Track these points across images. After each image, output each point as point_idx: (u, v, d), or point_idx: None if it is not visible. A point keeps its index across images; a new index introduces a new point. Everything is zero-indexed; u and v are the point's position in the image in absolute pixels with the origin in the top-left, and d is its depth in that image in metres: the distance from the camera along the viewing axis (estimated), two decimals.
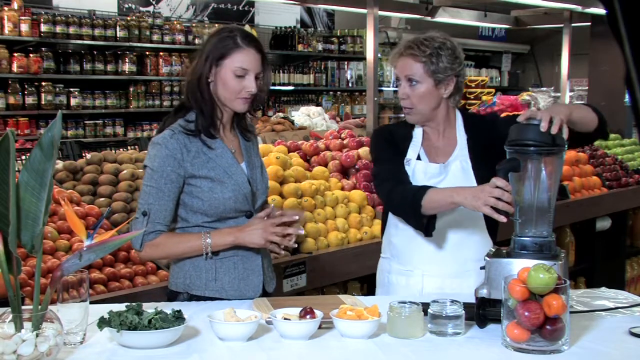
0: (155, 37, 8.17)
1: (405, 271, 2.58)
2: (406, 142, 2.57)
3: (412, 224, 2.47)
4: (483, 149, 2.50)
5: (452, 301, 2.03)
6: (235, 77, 2.37)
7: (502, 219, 2.17)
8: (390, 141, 2.58)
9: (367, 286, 3.84)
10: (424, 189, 2.39)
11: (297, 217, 2.38)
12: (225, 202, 2.37)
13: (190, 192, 2.37)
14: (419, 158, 2.54)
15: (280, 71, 9.56)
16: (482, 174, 2.46)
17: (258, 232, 2.33)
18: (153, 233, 2.33)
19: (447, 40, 2.50)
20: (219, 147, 2.41)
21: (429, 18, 6.64)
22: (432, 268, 2.53)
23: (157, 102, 8.30)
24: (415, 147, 2.55)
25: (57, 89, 7.40)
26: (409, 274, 2.56)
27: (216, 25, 8.91)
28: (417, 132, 2.58)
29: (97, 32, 7.61)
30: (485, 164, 2.44)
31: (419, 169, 2.52)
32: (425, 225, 2.40)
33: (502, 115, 2.87)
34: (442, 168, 2.51)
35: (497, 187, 2.15)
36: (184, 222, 2.41)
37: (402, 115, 2.64)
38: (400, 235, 2.58)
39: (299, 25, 10.24)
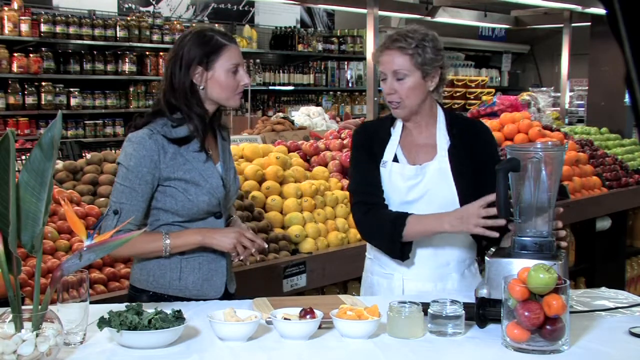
0: (155, 37, 8.17)
1: (385, 274, 2.55)
2: (384, 141, 2.53)
3: (386, 252, 2.49)
4: (465, 152, 2.48)
5: (452, 301, 2.03)
6: (230, 74, 2.37)
7: (494, 234, 2.24)
8: (367, 145, 2.55)
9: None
10: (403, 217, 2.40)
11: (265, 245, 2.42)
12: (199, 204, 2.36)
13: (164, 191, 2.36)
14: (396, 159, 2.51)
15: (280, 71, 9.56)
16: (461, 176, 2.45)
17: (231, 235, 2.35)
18: (122, 232, 2.31)
19: (429, 32, 2.48)
20: (196, 149, 2.39)
21: (429, 18, 6.64)
22: (411, 271, 2.51)
23: None
24: (392, 147, 2.52)
25: (57, 89, 7.40)
26: (389, 277, 2.54)
27: (216, 25, 8.92)
28: (397, 130, 2.54)
29: (97, 32, 7.61)
30: (465, 168, 2.44)
31: (395, 171, 2.49)
32: (400, 251, 2.43)
33: (501, 114, 2.85)
34: (418, 170, 2.47)
35: (482, 206, 2.24)
36: (154, 219, 2.40)
37: None
38: None
39: (299, 25, 10.25)
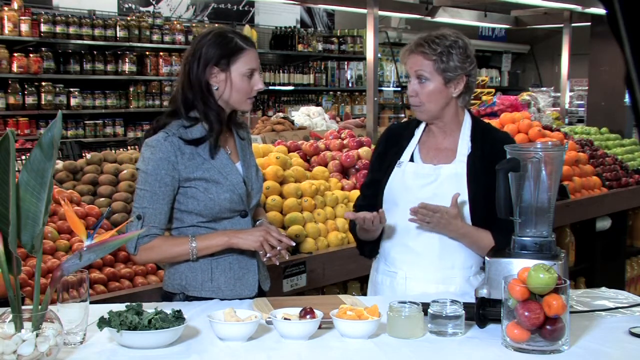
0: (155, 37, 8.17)
1: (389, 272, 2.57)
2: (405, 143, 2.57)
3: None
4: (484, 162, 2.46)
5: (452, 301, 2.03)
6: (245, 79, 2.39)
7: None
8: (383, 149, 2.63)
9: (367, 286, 3.83)
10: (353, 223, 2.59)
11: (293, 243, 2.41)
12: (220, 202, 2.37)
13: (185, 193, 2.36)
14: (412, 159, 2.54)
15: (280, 71, 9.56)
16: (475, 183, 2.45)
17: (256, 233, 2.35)
18: (148, 237, 2.33)
19: (459, 38, 2.47)
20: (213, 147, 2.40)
21: (429, 18, 6.64)
22: (416, 272, 2.51)
23: (157, 102, 8.31)
24: (410, 148, 2.55)
25: (57, 89, 7.40)
26: (393, 275, 2.55)
27: (216, 25, 8.92)
28: (419, 131, 2.57)
29: (97, 32, 7.61)
30: (481, 176, 2.44)
31: (409, 170, 2.51)
32: (360, 249, 2.70)
33: (501, 114, 2.86)
34: (432, 169, 2.48)
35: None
36: (179, 222, 2.41)
37: (402, 115, 2.65)
38: (388, 236, 2.57)
39: (299, 25, 10.25)
